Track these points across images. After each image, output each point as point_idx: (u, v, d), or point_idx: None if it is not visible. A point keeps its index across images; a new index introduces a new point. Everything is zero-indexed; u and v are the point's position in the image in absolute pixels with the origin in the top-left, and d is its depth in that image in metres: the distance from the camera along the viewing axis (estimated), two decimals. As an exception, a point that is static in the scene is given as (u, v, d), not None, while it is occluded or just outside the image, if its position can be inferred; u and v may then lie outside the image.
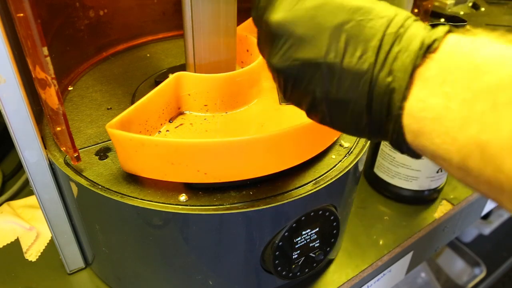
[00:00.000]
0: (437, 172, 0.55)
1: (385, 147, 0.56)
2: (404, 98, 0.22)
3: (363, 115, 0.24)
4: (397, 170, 0.55)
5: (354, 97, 0.24)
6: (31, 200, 0.56)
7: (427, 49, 0.22)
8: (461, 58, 0.21)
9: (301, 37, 0.25)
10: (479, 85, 0.20)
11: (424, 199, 0.59)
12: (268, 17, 0.27)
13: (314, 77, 0.25)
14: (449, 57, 0.22)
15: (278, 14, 0.26)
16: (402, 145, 0.24)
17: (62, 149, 0.38)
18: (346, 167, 0.40)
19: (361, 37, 0.24)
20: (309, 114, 0.28)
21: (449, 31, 0.23)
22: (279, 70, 0.27)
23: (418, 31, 0.23)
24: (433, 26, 0.23)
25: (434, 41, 0.22)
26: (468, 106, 0.20)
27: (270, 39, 0.27)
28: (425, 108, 0.21)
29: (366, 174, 0.62)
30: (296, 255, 0.39)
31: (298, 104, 0.28)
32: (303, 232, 0.38)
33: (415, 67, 0.22)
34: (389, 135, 0.24)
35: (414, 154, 0.24)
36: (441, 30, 0.23)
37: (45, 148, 0.39)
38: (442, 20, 0.76)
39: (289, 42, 0.26)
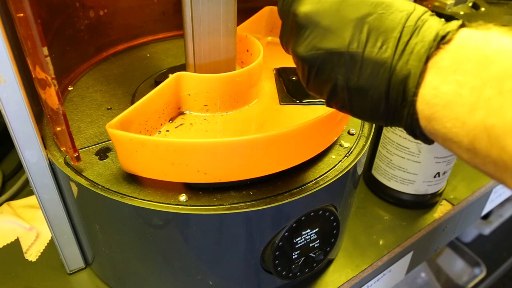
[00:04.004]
0: (434, 176, 0.54)
1: (382, 148, 0.56)
2: (418, 84, 0.24)
3: (381, 101, 0.26)
4: (394, 172, 0.55)
5: (374, 84, 0.26)
6: (31, 200, 0.56)
7: (441, 40, 0.24)
8: (472, 49, 0.23)
9: (326, 28, 0.27)
10: (487, 74, 0.21)
11: (423, 204, 0.58)
12: (296, 8, 0.28)
13: (336, 66, 0.27)
14: (462, 48, 0.23)
15: (306, 6, 0.28)
16: (416, 130, 0.26)
17: (62, 149, 0.38)
18: (346, 167, 0.40)
19: (382, 29, 0.25)
20: (329, 102, 0.29)
21: (462, 25, 0.24)
22: (304, 59, 0.28)
23: (434, 24, 0.25)
24: (447, 20, 0.25)
25: (447, 33, 0.24)
26: (477, 92, 0.21)
27: (297, 29, 0.29)
28: (437, 95, 0.23)
29: (365, 177, 0.62)
30: (296, 255, 0.39)
31: (319, 92, 0.29)
32: (303, 232, 0.38)
33: (429, 56, 0.24)
34: (403, 121, 0.26)
35: (427, 139, 0.26)
36: (454, 23, 0.24)
37: (45, 148, 0.39)
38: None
39: (315, 32, 0.27)
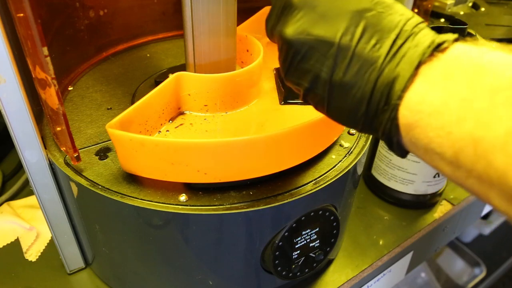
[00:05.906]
0: (434, 177, 0.54)
1: (382, 148, 0.56)
2: (405, 88, 0.23)
3: (363, 102, 0.25)
4: (393, 172, 0.55)
5: (359, 82, 0.25)
6: (31, 200, 0.56)
7: (436, 48, 0.23)
8: (466, 60, 0.22)
9: (321, 13, 0.26)
10: (479, 86, 0.21)
11: (423, 204, 0.58)
12: None
13: (324, 56, 0.26)
14: (455, 58, 0.23)
15: None
16: (393, 138, 0.25)
17: (62, 149, 0.38)
18: (346, 167, 0.40)
19: (379, 27, 0.25)
20: (305, 95, 0.28)
21: (458, 39, 0.24)
22: (291, 42, 0.27)
23: (430, 34, 0.24)
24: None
25: (443, 42, 0.23)
26: (467, 103, 0.21)
27: (289, 9, 0.27)
28: (423, 102, 0.22)
29: (365, 177, 0.62)
30: (296, 255, 0.39)
31: (298, 83, 0.28)
32: (303, 232, 0.38)
33: (421, 62, 0.23)
34: (382, 126, 0.25)
35: (402, 150, 0.25)
36: (451, 36, 0.24)
37: (45, 148, 0.39)
38: (442, 20, 0.76)
39: (308, 15, 0.26)
